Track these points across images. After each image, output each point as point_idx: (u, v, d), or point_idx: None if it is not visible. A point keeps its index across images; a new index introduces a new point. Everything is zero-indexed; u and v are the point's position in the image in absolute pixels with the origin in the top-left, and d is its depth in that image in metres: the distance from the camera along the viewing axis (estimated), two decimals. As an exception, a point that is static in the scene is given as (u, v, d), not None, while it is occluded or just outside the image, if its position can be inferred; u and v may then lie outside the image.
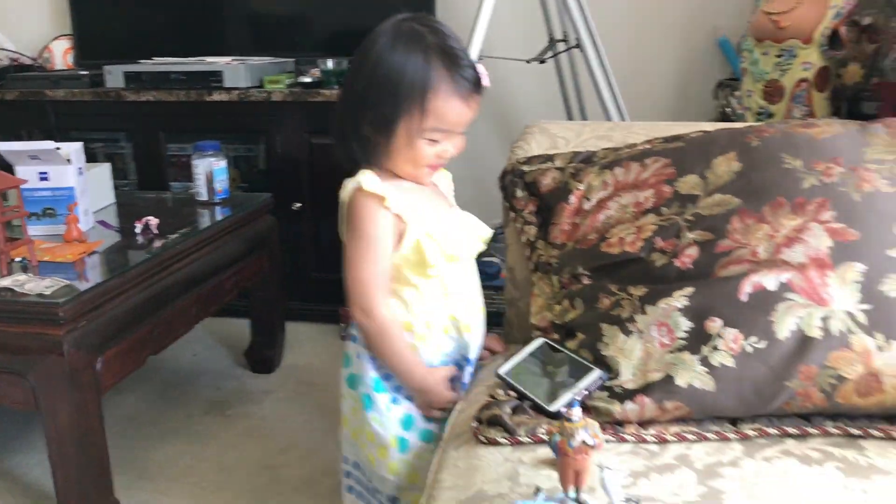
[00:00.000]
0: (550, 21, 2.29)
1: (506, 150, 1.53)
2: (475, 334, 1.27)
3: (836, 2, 2.04)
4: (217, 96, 2.47)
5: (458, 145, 1.19)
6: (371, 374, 1.21)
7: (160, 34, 2.84)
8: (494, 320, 1.99)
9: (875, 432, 0.99)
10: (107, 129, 2.69)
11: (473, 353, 1.27)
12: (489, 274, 2.04)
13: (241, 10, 2.79)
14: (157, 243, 1.77)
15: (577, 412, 0.85)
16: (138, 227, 1.84)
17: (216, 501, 1.71)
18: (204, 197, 2.10)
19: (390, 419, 1.20)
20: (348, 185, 1.18)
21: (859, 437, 0.99)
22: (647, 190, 1.22)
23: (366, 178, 1.15)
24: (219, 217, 2.01)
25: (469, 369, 1.26)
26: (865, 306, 0.99)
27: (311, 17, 2.72)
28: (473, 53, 2.06)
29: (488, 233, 1.29)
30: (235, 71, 2.45)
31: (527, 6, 2.43)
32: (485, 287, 2.02)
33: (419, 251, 1.16)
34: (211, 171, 2.07)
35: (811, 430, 1.00)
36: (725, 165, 1.18)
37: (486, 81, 1.18)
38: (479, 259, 2.16)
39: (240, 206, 2.11)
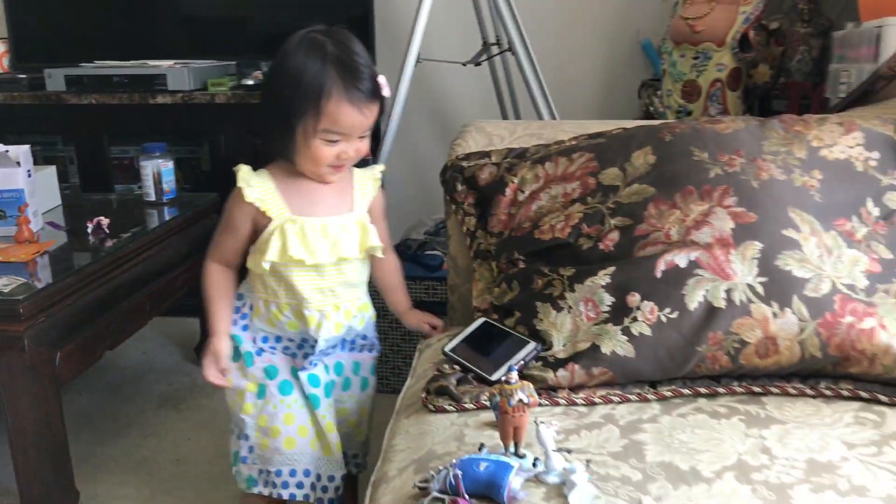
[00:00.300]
0: (484, 25, 2.42)
1: (445, 149, 1.64)
2: (325, 330, 1.35)
3: (746, 8, 2.21)
4: (161, 99, 2.52)
5: (358, 148, 1.28)
6: (236, 328, 1.38)
7: (98, 37, 2.86)
8: (438, 309, 2.11)
9: (774, 389, 1.14)
10: (45, 132, 2.71)
11: (321, 346, 1.35)
12: (432, 266, 2.15)
13: (180, 13, 2.83)
14: (109, 242, 1.82)
15: (514, 375, 0.97)
16: (90, 227, 1.89)
17: (174, 491, 1.77)
18: (152, 197, 2.15)
19: (252, 367, 1.36)
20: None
21: (760, 394, 1.14)
22: (574, 182, 1.35)
23: (240, 173, 1.30)
24: (167, 217, 2.07)
25: (312, 358, 1.37)
26: (763, 279, 1.14)
27: (250, 19, 2.78)
28: (412, 56, 2.16)
29: (375, 242, 1.36)
30: (179, 74, 2.50)
31: (461, 11, 2.54)
32: (429, 279, 2.14)
33: (264, 247, 1.29)
34: (159, 171, 2.13)
35: (720, 390, 1.14)
36: (642, 158, 1.31)
37: (385, 92, 1.29)
38: (422, 253, 2.28)
39: (187, 205, 2.17)
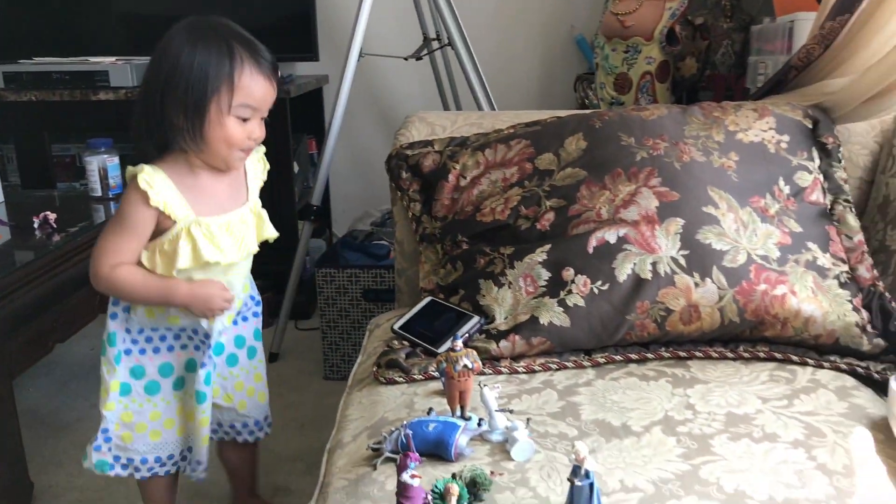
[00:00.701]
0: (424, 21, 2.49)
1: (388, 142, 1.69)
2: (219, 322, 1.35)
3: (672, 4, 2.33)
4: (103, 95, 2.52)
5: (262, 129, 1.28)
6: (109, 328, 1.37)
7: (37, 34, 2.83)
8: (387, 297, 2.17)
9: (698, 353, 1.24)
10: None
11: (214, 339, 1.37)
12: (379, 255, 2.21)
13: (119, 9, 2.83)
14: (57, 237, 1.83)
15: (459, 344, 1.05)
16: (36, 223, 1.90)
17: (127, 480, 1.79)
18: (98, 193, 2.16)
19: (120, 366, 1.36)
20: (129, 171, 1.26)
21: (686, 358, 1.24)
22: (513, 167, 1.43)
23: (142, 174, 1.22)
24: (114, 211, 2.08)
25: (209, 352, 1.37)
26: (685, 252, 1.23)
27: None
28: (354, 51, 2.22)
29: (272, 233, 1.37)
30: (121, 70, 2.51)
31: (401, 7, 2.61)
32: (376, 267, 2.20)
33: (172, 252, 1.25)
34: (105, 167, 2.14)
35: (648, 355, 1.24)
36: (574, 144, 1.40)
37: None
38: (369, 243, 2.33)
39: (134, 200, 2.18)
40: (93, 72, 2.52)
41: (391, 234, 2.39)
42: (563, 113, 1.55)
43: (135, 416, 1.39)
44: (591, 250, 1.25)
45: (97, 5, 2.82)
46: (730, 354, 1.23)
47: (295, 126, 2.65)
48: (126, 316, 1.37)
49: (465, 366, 1.02)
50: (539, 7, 2.89)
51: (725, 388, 1.14)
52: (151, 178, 1.23)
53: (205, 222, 1.27)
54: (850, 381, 1.17)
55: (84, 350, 2.44)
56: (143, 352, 1.38)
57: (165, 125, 1.22)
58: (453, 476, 0.87)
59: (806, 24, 1.89)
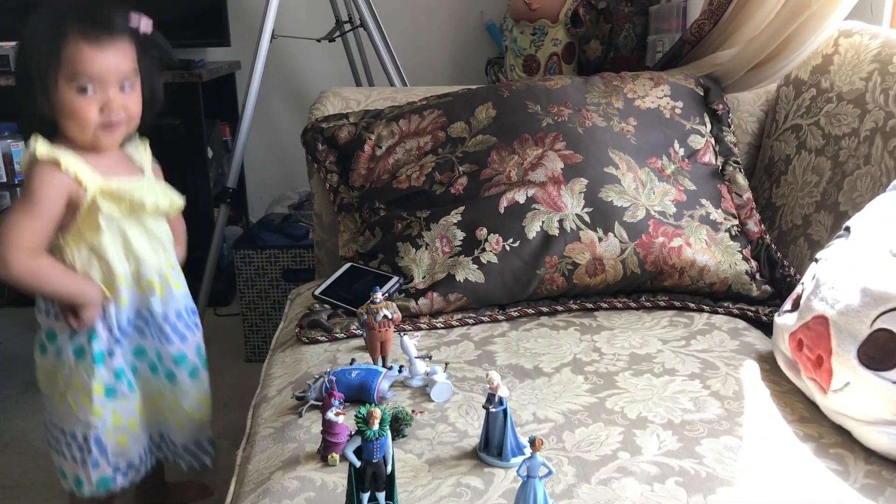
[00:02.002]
0: (336, 4, 2.51)
1: (303, 123, 1.70)
2: (158, 291, 1.31)
3: (575, -13, 2.43)
4: (3, 81, 2.44)
5: (125, 105, 1.22)
6: (77, 334, 1.27)
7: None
8: (306, 276, 2.19)
9: (603, 304, 1.32)
10: None
11: (157, 308, 1.31)
12: (297, 236, 2.23)
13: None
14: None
15: (378, 296, 1.09)
16: (-62, 208, 1.84)
17: (47, 468, 1.76)
18: (3, 179, 2.11)
19: (103, 369, 1.28)
20: (26, 153, 1.21)
21: (592, 309, 1.32)
22: (426, 136, 1.48)
23: (40, 146, 1.18)
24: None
25: (152, 321, 1.32)
26: (589, 209, 1.31)
27: None
28: (266, 33, 2.23)
29: (180, 200, 1.35)
30: (23, 55, 2.43)
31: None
32: (295, 247, 2.22)
33: (93, 210, 1.21)
34: (9, 152, 2.08)
35: (558, 308, 1.31)
36: (484, 113, 1.46)
37: (140, 26, 1.24)
38: (287, 224, 2.35)
39: (42, 186, 2.13)
40: (-8, 57, 2.44)
41: (309, 215, 2.41)
42: (473, 87, 1.61)
43: (124, 417, 1.31)
44: (502, 210, 1.31)
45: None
46: (633, 304, 1.32)
47: (207, 112, 2.63)
48: (108, 311, 1.27)
49: (385, 316, 1.07)
50: (449, -6, 2.95)
51: (629, 333, 1.22)
52: (47, 147, 1.18)
53: (113, 182, 1.23)
54: (741, 323, 1.27)
55: (-10, 344, 2.37)
56: (119, 343, 1.29)
57: (35, 113, 1.19)
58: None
59: (698, 3, 2.01)
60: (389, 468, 0.77)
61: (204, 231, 2.54)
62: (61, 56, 1.16)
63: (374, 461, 0.76)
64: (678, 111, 1.49)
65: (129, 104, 1.24)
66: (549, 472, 0.75)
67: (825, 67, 1.48)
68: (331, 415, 0.88)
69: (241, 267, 2.19)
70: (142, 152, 1.36)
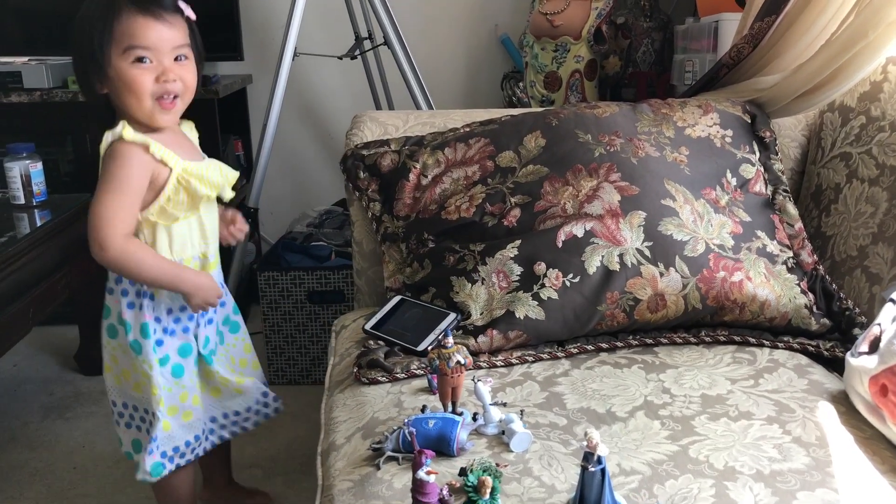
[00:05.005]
0: (356, 20, 2.47)
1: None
2: (216, 272, 1.41)
3: (598, 4, 2.41)
4: (16, 98, 2.39)
5: (182, 76, 1.25)
6: (141, 319, 1.32)
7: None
8: (333, 298, 2.16)
9: (664, 340, 1.30)
10: None
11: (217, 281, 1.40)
12: (322, 257, 2.19)
13: (28, 7, 2.68)
14: (-16, 249, 1.73)
15: (450, 340, 1.06)
16: (-40, 234, 1.79)
17: (75, 499, 1.72)
18: (21, 200, 2.05)
19: (154, 355, 1.33)
20: (107, 137, 1.25)
21: (652, 345, 1.29)
22: (474, 165, 1.45)
23: (127, 130, 1.23)
24: (42, 219, 1.99)
25: (210, 316, 1.41)
26: (649, 243, 1.29)
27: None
28: (289, 51, 2.19)
29: (235, 174, 1.38)
30: (35, 71, 2.38)
31: (330, 6, 2.59)
32: (320, 269, 2.18)
33: (187, 188, 1.27)
34: (27, 173, 2.03)
35: (618, 344, 1.29)
36: (534, 142, 1.44)
37: (187, 11, 1.28)
38: (310, 245, 2.31)
39: (59, 207, 2.08)
40: (4, 73, 2.38)
41: (330, 234, 2.38)
42: (515, 112, 1.59)
43: (166, 402, 1.35)
44: (560, 244, 1.29)
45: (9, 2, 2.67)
46: (693, 339, 1.30)
47: (221, 127, 2.59)
48: (152, 303, 1.32)
49: (458, 362, 1.04)
50: (464, 7, 2.91)
51: (695, 372, 1.20)
52: (133, 131, 1.23)
53: (192, 165, 1.29)
54: (803, 359, 1.25)
55: (7, 367, 2.31)
56: (170, 333, 1.35)
57: (96, 96, 1.25)
58: (462, 470, 0.88)
59: (730, 24, 2.00)
60: (498, 536, 0.74)
61: (221, 248, 2.49)
62: (114, 30, 1.20)
63: (484, 530, 0.73)
64: (728, 140, 1.47)
65: (185, 74, 1.26)
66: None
67: (874, 95, 1.47)
68: (422, 474, 0.85)
69: (266, 288, 2.15)
70: (194, 133, 1.41)
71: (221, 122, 2.62)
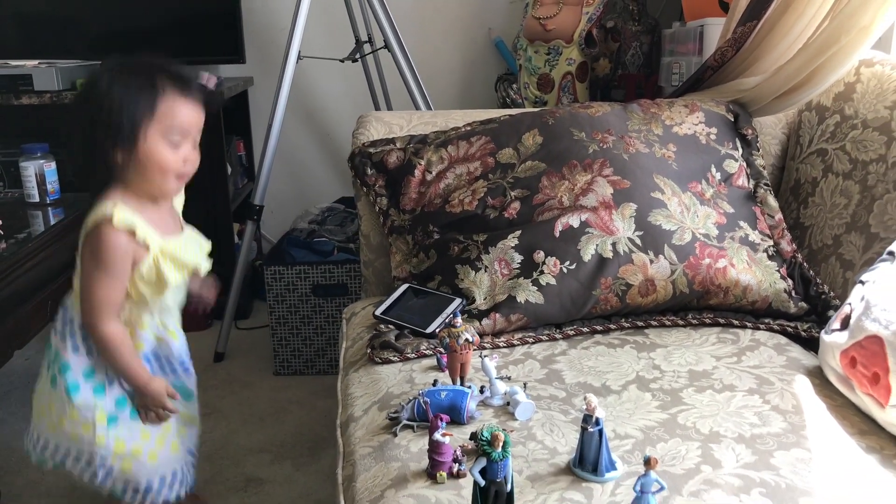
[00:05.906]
0: (356, 23, 2.57)
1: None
2: (181, 342, 1.40)
3: (588, 8, 2.51)
4: (26, 100, 2.46)
5: (196, 157, 1.29)
6: (82, 364, 1.31)
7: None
8: (336, 291, 2.25)
9: (654, 322, 1.39)
10: None
11: (176, 360, 1.40)
12: (325, 252, 2.28)
13: (39, 11, 2.76)
14: (2, 244, 1.81)
15: (459, 320, 1.16)
16: (-19, 230, 1.87)
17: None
18: (36, 199, 2.13)
19: (104, 399, 1.31)
20: (97, 211, 1.24)
21: (643, 327, 1.39)
22: (476, 161, 1.55)
23: (118, 211, 1.22)
24: (57, 217, 2.07)
25: (179, 372, 1.40)
26: (640, 233, 1.39)
27: (114, 18, 2.76)
28: (293, 54, 2.28)
29: (208, 245, 1.41)
30: (46, 74, 2.46)
31: (329, 10, 2.68)
32: (324, 263, 2.27)
33: (158, 273, 1.27)
34: (42, 172, 2.11)
35: (612, 326, 1.38)
36: (531, 139, 1.53)
37: (210, 83, 1.33)
38: (313, 241, 2.40)
39: (73, 205, 2.16)
40: (14, 76, 2.46)
41: (332, 230, 2.47)
42: (513, 111, 1.68)
43: (126, 444, 1.33)
44: (557, 234, 1.38)
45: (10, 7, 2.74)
46: (681, 322, 1.39)
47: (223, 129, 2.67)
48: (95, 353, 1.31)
49: (467, 339, 1.14)
50: (457, 11, 3.01)
51: (682, 350, 1.29)
52: (124, 213, 1.22)
53: (169, 244, 1.29)
54: (782, 339, 1.35)
55: (18, 361, 2.38)
56: (120, 382, 1.33)
57: (106, 163, 1.23)
58: (473, 435, 0.97)
59: (714, 29, 2.11)
60: (509, 486, 0.84)
61: (224, 246, 2.59)
62: (157, 109, 1.21)
63: (498, 480, 0.82)
64: (713, 137, 1.57)
65: (197, 159, 1.29)
66: (662, 488, 0.82)
67: (848, 95, 1.57)
68: (438, 436, 0.94)
69: (272, 283, 2.24)
70: (180, 198, 1.41)
71: (225, 124, 2.70)
